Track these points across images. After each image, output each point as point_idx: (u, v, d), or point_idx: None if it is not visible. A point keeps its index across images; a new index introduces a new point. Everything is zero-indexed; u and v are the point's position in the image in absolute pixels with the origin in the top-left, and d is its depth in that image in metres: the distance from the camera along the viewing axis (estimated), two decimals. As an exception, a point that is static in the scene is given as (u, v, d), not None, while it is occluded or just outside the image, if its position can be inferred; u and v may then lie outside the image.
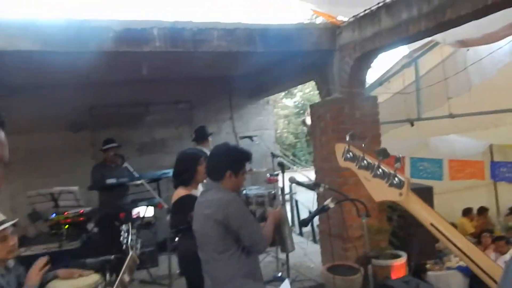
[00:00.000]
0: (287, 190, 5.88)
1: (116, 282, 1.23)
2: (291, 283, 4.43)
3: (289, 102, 18.26)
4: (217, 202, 2.17)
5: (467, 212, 7.35)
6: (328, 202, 2.44)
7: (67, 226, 4.43)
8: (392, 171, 1.10)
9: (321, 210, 2.44)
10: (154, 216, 5.28)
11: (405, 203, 1.10)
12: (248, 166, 2.53)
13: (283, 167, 3.57)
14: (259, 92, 7.19)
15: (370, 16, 3.78)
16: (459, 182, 6.12)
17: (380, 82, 5.44)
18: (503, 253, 5.48)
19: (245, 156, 2.37)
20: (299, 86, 16.48)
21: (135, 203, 5.21)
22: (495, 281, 0.96)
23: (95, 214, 4.94)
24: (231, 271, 2.18)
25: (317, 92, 17.54)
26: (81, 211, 4.67)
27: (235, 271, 2.18)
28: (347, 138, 1.23)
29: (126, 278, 1.25)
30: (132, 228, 2.05)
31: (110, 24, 3.64)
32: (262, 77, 6.47)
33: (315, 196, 7.05)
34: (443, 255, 5.79)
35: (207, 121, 6.70)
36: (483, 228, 6.68)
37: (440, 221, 1.05)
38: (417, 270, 4.64)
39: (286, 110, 17.66)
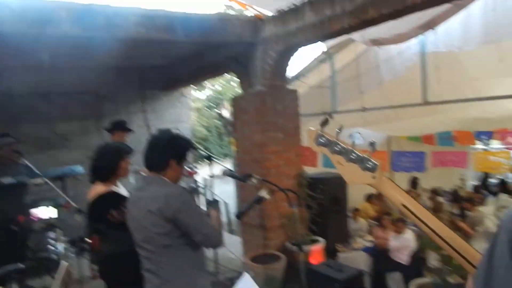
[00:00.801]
0: (203, 183, 5.79)
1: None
2: (212, 275, 4.37)
3: (200, 95, 18.04)
4: (164, 197, 1.98)
5: (369, 197, 8.05)
6: (264, 193, 2.42)
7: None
8: (365, 156, 1.11)
9: (257, 201, 2.42)
10: (58, 217, 4.76)
11: (378, 186, 1.11)
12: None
13: (210, 160, 3.47)
14: (174, 84, 6.91)
15: (294, 11, 3.86)
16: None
17: (297, 76, 5.63)
18: (400, 232, 6.11)
19: (189, 144, 2.23)
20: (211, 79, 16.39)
21: (36, 204, 4.63)
22: (460, 254, 1.02)
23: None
24: (180, 264, 2.04)
25: (229, 85, 17.50)
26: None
27: (184, 264, 2.05)
28: (320, 125, 1.20)
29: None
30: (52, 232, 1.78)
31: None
32: (178, 68, 6.22)
33: (234, 189, 7.09)
34: (351, 238, 6.26)
35: (117, 114, 6.25)
36: (382, 212, 7.38)
37: (411, 202, 1.09)
38: (330, 253, 4.94)
39: (197, 103, 17.42)
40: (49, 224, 4.75)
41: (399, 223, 6.40)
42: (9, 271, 2.50)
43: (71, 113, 6.27)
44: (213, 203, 2.46)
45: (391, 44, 4.13)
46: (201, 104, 17.88)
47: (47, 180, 4.24)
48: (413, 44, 4.42)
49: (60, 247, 4.81)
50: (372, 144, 1.13)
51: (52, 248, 4.79)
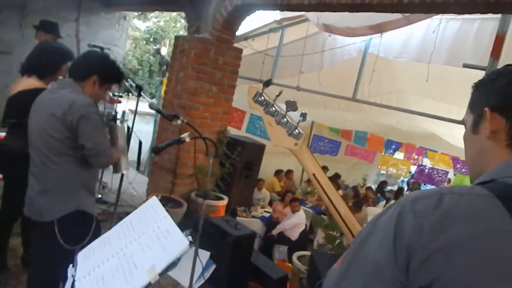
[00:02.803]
0: (123, 116, 5.60)
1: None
2: (110, 206, 4.33)
3: (141, 25, 16.92)
4: (69, 103, 1.91)
5: (278, 172, 8.49)
6: (185, 135, 2.45)
7: None
8: (295, 123, 1.20)
9: (177, 141, 2.44)
10: None
11: (297, 153, 1.21)
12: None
13: (140, 91, 3.36)
14: (118, 3, 6.42)
15: (261, -29, 3.81)
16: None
17: (245, 37, 5.59)
18: (296, 211, 6.60)
19: (120, 74, 2.18)
20: (156, 12, 15.41)
21: None
22: (348, 229, 1.17)
23: None
24: (65, 177, 2.00)
25: (173, 24, 16.65)
26: None
27: (70, 178, 2.01)
28: (263, 84, 1.27)
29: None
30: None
31: None
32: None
33: (153, 129, 6.93)
34: (252, 205, 6.61)
35: (45, 13, 5.65)
36: (288, 189, 7.86)
37: (321, 174, 1.21)
38: (230, 214, 5.18)
39: (136, 32, 16.32)
40: None
41: (296, 203, 6.92)
42: None
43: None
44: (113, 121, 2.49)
45: (340, 35, 4.31)
46: (139, 35, 16.82)
47: None
48: (358, 41, 4.66)
49: None
50: (303, 115, 1.24)
51: None
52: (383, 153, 8.13)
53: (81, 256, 1.46)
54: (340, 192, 8.62)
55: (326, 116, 6.99)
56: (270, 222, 6.55)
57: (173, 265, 1.16)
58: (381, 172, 11.29)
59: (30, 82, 2.61)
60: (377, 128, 7.81)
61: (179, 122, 2.64)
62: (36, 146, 2.02)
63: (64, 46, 2.88)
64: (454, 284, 0.66)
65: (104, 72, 2.09)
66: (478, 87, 0.89)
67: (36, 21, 4.51)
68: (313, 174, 1.20)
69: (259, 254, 4.13)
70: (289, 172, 8.74)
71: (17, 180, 2.36)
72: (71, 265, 1.42)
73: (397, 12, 3.25)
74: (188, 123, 2.66)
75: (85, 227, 2.09)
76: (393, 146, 8.21)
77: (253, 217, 6.41)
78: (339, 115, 7.28)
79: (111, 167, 2.53)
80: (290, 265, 5.22)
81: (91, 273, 1.32)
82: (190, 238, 1.20)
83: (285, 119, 1.21)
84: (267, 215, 6.68)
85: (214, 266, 3.49)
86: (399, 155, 8.75)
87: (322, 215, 6.71)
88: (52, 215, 1.99)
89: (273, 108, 1.23)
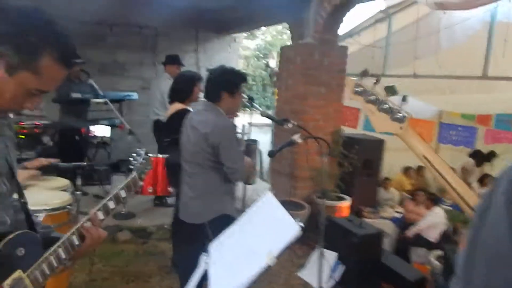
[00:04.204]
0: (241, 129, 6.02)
1: (111, 195, 1.25)
2: (239, 212, 4.66)
3: (250, 43, 17.91)
4: (213, 125, 2.24)
5: (406, 170, 7.91)
6: (296, 137, 2.52)
7: (22, 136, 4.34)
8: (397, 107, 1.19)
9: (289, 143, 2.53)
10: (110, 137, 5.32)
11: (403, 136, 1.20)
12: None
13: (252, 102, 3.59)
14: (227, 28, 6.98)
15: (355, -36, 3.72)
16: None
17: (350, 34, 5.48)
18: (431, 209, 6.06)
19: (241, 77, 2.44)
20: (263, 29, 16.13)
21: (96, 121, 5.22)
22: (469, 206, 1.09)
23: (51, 128, 4.86)
24: (212, 185, 2.33)
25: (280, 37, 17.14)
26: (37, 123, 4.55)
27: (215, 186, 2.33)
28: (359, 75, 1.30)
29: (123, 194, 1.28)
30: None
31: None
32: (232, 12, 6.24)
33: (270, 138, 7.23)
34: (380, 206, 6.30)
35: (171, 50, 6.46)
36: (419, 186, 7.26)
37: (431, 154, 1.17)
38: (356, 214, 5.04)
39: (246, 51, 17.35)
40: (103, 142, 5.37)
41: (432, 201, 6.34)
42: (76, 166, 2.92)
43: (130, 45, 6.67)
44: (251, 143, 2.74)
45: (458, 9, 3.85)
46: (249, 53, 17.81)
47: (108, 100, 4.73)
48: (481, 12, 4.12)
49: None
50: (404, 98, 1.21)
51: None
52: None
53: (212, 247, 1.68)
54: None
55: (456, 103, 6.21)
56: (403, 223, 6.14)
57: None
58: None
59: (175, 107, 3.17)
60: (523, 108, 6.63)
61: (290, 125, 2.74)
62: (188, 159, 2.40)
63: (191, 71, 3.37)
64: None
65: (229, 84, 2.34)
66: None
67: (175, 56, 5.26)
68: (424, 156, 1.17)
69: (391, 254, 3.92)
70: (420, 168, 8.06)
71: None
72: (203, 254, 1.63)
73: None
74: (298, 125, 2.73)
75: None
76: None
77: (383, 218, 6.10)
78: (471, 99, 6.41)
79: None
80: (429, 267, 4.82)
81: (221, 260, 1.53)
82: (301, 224, 1.28)
83: (386, 105, 1.21)
84: (398, 215, 6.28)
85: (343, 267, 3.44)
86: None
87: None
88: (203, 218, 2.31)
89: (373, 97, 1.23)
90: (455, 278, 0.89)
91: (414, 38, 4.61)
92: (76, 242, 1.11)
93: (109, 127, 5.17)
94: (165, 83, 4.86)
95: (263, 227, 1.45)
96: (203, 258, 1.63)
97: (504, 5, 4.02)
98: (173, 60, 5.06)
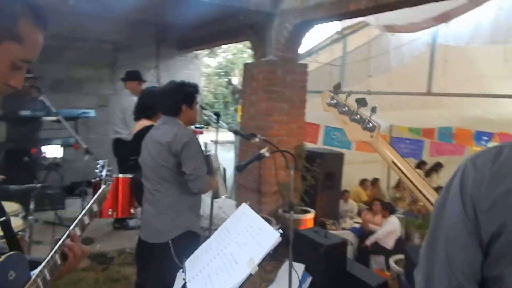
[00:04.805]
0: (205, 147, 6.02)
1: (85, 209, 1.24)
2: (205, 231, 4.65)
3: (211, 61, 18.04)
4: (174, 134, 2.24)
5: (363, 182, 8.28)
6: (264, 151, 2.62)
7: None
8: (367, 117, 1.29)
9: (257, 157, 2.61)
10: (63, 157, 4.98)
11: (374, 144, 1.29)
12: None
13: (218, 118, 3.67)
14: (189, 45, 7.03)
15: (315, -13, 3.97)
16: (361, 154, 6.88)
17: (309, 53, 5.75)
18: (387, 217, 6.38)
19: (196, 88, 2.48)
20: (224, 46, 16.32)
21: (49, 140, 4.86)
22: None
23: (-1, 148, 4.51)
24: (177, 199, 2.29)
25: (240, 55, 17.33)
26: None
27: (181, 200, 2.30)
28: (333, 87, 1.40)
29: (95, 208, 1.27)
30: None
31: None
32: (195, 29, 6.33)
33: (234, 155, 7.30)
34: (340, 218, 6.54)
35: (130, 66, 6.36)
36: (375, 197, 7.62)
37: (400, 160, 1.27)
38: (319, 226, 5.21)
39: (208, 69, 17.44)
40: (55, 163, 4.92)
41: (388, 210, 6.66)
42: (29, 188, 2.76)
43: (88, 60, 6.42)
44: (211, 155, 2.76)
45: (404, 32, 4.24)
46: (211, 71, 17.92)
47: (61, 118, 4.43)
48: (424, 34, 4.54)
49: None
50: (373, 109, 1.33)
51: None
52: (474, 146, 7.47)
53: (188, 263, 1.68)
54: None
55: (404, 118, 6.71)
56: (362, 233, 6.40)
57: (268, 256, 1.31)
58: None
59: (141, 123, 3.09)
60: (462, 122, 7.25)
61: (257, 139, 2.83)
62: (149, 176, 2.36)
63: (158, 87, 3.32)
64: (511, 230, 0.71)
65: (186, 97, 2.38)
66: None
67: (123, 74, 5.16)
68: (392, 161, 1.26)
69: (355, 262, 4.08)
70: (376, 180, 8.48)
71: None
72: (180, 271, 1.64)
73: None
74: (265, 139, 2.84)
75: (195, 246, 2.34)
76: (485, 138, 7.53)
77: (344, 229, 6.33)
78: (417, 114, 6.94)
79: (210, 193, 2.82)
80: (388, 273, 5.04)
81: (199, 274, 1.52)
82: (280, 230, 1.34)
83: (357, 116, 1.31)
84: (357, 225, 6.54)
85: (310, 278, 3.55)
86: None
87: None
88: (167, 236, 2.26)
89: (346, 108, 1.34)
90: (417, 267, 1.01)
91: (367, 58, 4.93)
92: (59, 261, 1.07)
93: (62, 148, 4.81)
94: (127, 100, 4.77)
95: (242, 237, 1.46)
96: (179, 276, 1.63)
97: (443, 29, 4.44)
98: (134, 76, 4.95)
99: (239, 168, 2.73)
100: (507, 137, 7.54)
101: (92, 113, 5.60)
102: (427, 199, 1.25)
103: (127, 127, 4.67)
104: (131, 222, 4.58)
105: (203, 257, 1.62)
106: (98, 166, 1.42)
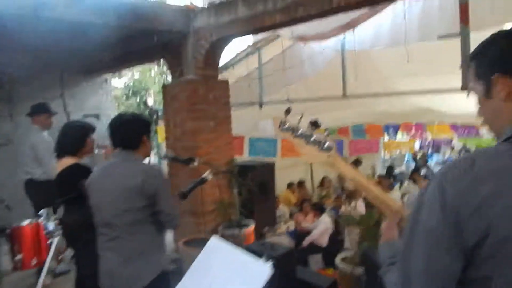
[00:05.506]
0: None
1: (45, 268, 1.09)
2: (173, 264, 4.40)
3: (118, 83, 17.22)
4: (143, 174, 2.05)
5: (290, 185, 8.57)
6: (207, 174, 2.57)
7: None
8: (323, 139, 1.31)
9: (200, 182, 2.56)
10: None
11: (332, 163, 1.30)
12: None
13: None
14: (97, 69, 6.61)
15: (227, 5, 4.01)
16: (286, 160, 7.13)
17: (225, 67, 5.79)
18: (319, 216, 6.67)
19: (148, 117, 2.35)
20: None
21: None
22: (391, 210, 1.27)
23: None
24: (143, 243, 2.11)
25: (148, 73, 16.85)
26: None
27: (147, 243, 2.12)
28: (284, 113, 1.39)
29: (54, 264, 1.13)
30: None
31: None
32: (103, 52, 5.97)
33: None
34: (276, 224, 6.67)
35: (31, 98, 5.79)
36: (303, 198, 7.93)
37: (358, 175, 1.31)
38: (259, 236, 5.24)
39: (115, 91, 16.59)
40: None
41: (318, 209, 6.96)
42: None
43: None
44: None
45: (315, 40, 4.50)
46: (118, 92, 17.09)
47: None
48: (333, 42, 4.87)
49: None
50: (313, 123, 1.34)
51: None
52: (385, 138, 8.29)
53: None
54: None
55: (322, 121, 7.11)
56: (297, 235, 6.59)
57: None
58: (386, 158, 11.45)
59: (65, 161, 2.79)
60: (373, 118, 7.96)
61: (196, 163, 2.77)
62: (108, 222, 2.10)
63: (79, 121, 3.05)
64: (497, 231, 0.79)
65: (146, 127, 2.24)
66: (477, 56, 0.99)
67: (25, 107, 4.68)
68: (353, 177, 1.30)
69: (301, 268, 4.16)
70: (301, 182, 8.84)
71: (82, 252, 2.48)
72: None
73: (363, 7, 3.44)
74: (204, 162, 2.78)
75: (169, 285, 2.17)
76: (391, 129, 8.38)
77: (279, 234, 6.45)
78: (333, 116, 7.42)
79: None
80: (329, 271, 5.25)
81: None
82: (270, 262, 1.28)
83: (313, 138, 1.32)
84: (292, 228, 6.73)
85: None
86: (401, 137, 8.91)
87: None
88: (142, 281, 2.06)
89: (300, 132, 1.34)
90: (383, 268, 1.07)
91: (283, 68, 5.13)
92: None
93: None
94: (36, 136, 4.37)
95: (224, 275, 1.38)
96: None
97: (350, 36, 4.80)
98: (41, 110, 4.53)
99: (182, 196, 2.64)
100: (410, 126, 8.51)
101: None
102: (389, 206, 1.32)
103: (40, 165, 4.26)
104: (59, 268, 4.13)
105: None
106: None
